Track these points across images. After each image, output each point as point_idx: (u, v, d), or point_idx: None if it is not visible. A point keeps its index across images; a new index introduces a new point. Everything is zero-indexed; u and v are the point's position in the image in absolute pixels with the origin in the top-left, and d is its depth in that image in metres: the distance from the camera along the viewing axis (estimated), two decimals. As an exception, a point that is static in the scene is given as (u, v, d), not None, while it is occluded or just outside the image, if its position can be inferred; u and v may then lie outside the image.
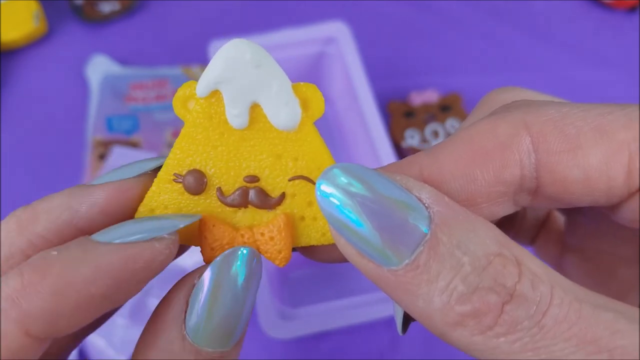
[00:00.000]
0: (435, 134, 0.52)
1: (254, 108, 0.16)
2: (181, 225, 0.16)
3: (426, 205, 0.14)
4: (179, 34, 0.61)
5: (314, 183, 0.17)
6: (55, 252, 0.14)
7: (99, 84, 0.56)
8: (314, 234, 0.17)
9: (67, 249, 0.15)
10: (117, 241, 0.15)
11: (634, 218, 0.17)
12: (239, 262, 0.16)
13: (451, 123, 0.53)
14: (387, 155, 0.45)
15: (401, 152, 0.52)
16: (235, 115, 0.16)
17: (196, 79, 0.17)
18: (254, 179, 0.17)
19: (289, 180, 0.17)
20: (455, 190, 0.16)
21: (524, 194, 0.17)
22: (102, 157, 0.51)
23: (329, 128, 0.55)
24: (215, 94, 0.16)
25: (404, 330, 0.17)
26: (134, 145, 0.52)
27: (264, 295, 0.39)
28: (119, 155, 0.50)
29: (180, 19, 0.63)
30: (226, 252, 0.16)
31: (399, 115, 0.54)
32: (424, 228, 0.14)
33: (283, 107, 0.16)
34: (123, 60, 0.58)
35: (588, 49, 0.60)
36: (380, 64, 0.57)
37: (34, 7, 0.59)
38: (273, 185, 0.17)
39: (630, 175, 0.15)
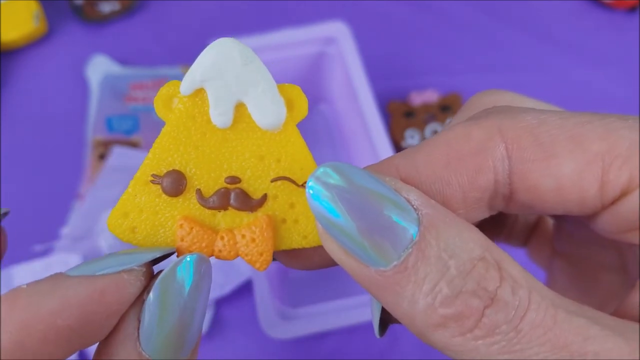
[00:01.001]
0: (435, 133, 0.52)
1: (238, 108, 0.16)
2: (151, 258, 0.16)
3: (415, 207, 0.14)
4: (179, 34, 0.61)
5: (296, 184, 0.17)
6: (24, 286, 0.14)
7: (99, 84, 0.56)
8: (296, 237, 0.17)
9: (37, 283, 0.15)
10: (86, 274, 0.15)
11: (609, 230, 0.17)
12: (185, 271, 0.15)
13: (451, 123, 0.52)
14: (387, 155, 0.45)
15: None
16: (220, 113, 0.16)
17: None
18: (235, 180, 0.17)
19: (272, 181, 0.17)
20: (431, 193, 0.16)
21: (498, 199, 0.17)
22: (102, 157, 0.51)
23: (329, 128, 0.55)
24: (199, 92, 0.16)
25: (382, 332, 0.17)
26: (134, 145, 0.52)
27: (264, 295, 0.39)
28: (119, 155, 0.50)
29: (180, 19, 0.63)
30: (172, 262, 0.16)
31: (399, 115, 0.53)
32: (412, 230, 0.14)
33: (269, 105, 0.16)
34: (123, 60, 0.58)
35: (588, 49, 0.60)
36: (380, 63, 0.57)
37: (34, 7, 0.59)
38: (255, 186, 0.17)
39: (603, 187, 0.15)
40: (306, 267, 0.18)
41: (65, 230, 0.46)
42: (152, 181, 0.17)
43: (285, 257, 0.18)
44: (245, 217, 0.17)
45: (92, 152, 0.52)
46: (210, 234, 0.17)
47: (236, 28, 0.61)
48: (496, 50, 0.60)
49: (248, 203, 0.17)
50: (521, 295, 0.13)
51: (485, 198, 0.17)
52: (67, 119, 0.55)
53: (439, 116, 0.53)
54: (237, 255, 0.17)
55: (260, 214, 0.17)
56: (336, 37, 0.50)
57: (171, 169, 0.17)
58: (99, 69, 0.57)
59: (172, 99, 0.17)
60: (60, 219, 0.48)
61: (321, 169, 0.14)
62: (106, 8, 0.61)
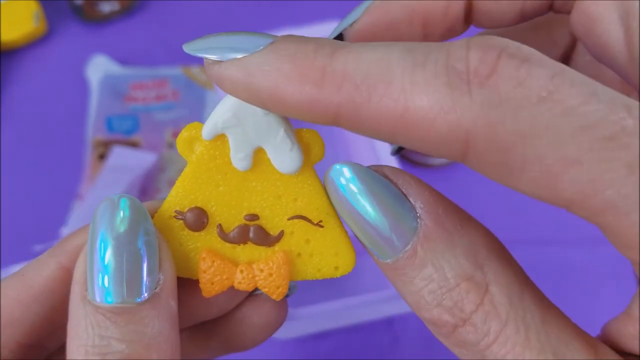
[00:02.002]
0: None
1: (258, 152, 0.17)
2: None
3: (418, 214, 0.15)
4: (179, 34, 0.61)
5: (312, 222, 0.18)
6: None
7: (99, 84, 0.56)
8: (310, 270, 0.18)
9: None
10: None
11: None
12: (118, 211, 0.16)
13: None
14: (387, 155, 0.45)
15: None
16: (240, 158, 0.17)
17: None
18: (254, 217, 0.18)
19: (288, 219, 0.18)
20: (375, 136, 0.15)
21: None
22: (102, 157, 0.51)
23: (329, 127, 0.55)
24: (220, 137, 0.17)
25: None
26: (134, 145, 0.52)
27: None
28: (119, 155, 0.50)
29: (180, 19, 0.63)
30: (101, 204, 0.16)
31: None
32: (409, 238, 0.15)
33: (287, 153, 0.17)
34: (123, 60, 0.58)
35: (588, 48, 0.60)
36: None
37: (34, 7, 0.59)
38: (272, 223, 0.18)
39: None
40: None
41: (65, 230, 0.46)
42: (175, 217, 0.18)
43: None
44: (264, 251, 0.18)
45: (92, 152, 0.52)
46: (230, 267, 0.18)
47: (236, 28, 0.60)
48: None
49: (266, 239, 0.18)
50: (492, 326, 0.14)
51: None
52: (67, 119, 0.55)
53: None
54: (255, 287, 0.18)
55: (277, 248, 0.18)
56: (336, 37, 0.50)
57: (193, 205, 0.17)
58: (99, 69, 0.57)
59: (193, 141, 0.17)
60: (60, 219, 0.48)
61: (337, 167, 0.15)
62: (106, 8, 0.61)
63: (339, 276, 0.18)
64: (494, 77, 0.12)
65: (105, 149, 0.52)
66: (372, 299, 0.40)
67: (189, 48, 0.15)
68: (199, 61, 0.17)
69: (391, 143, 0.16)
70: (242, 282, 0.18)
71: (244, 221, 0.18)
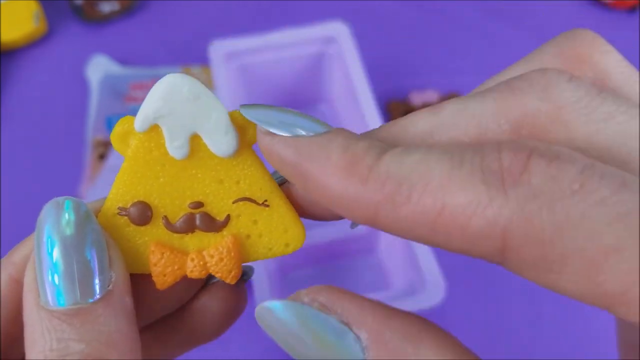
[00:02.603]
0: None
1: (194, 139, 0.17)
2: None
3: (364, 345, 0.14)
4: (179, 34, 0.61)
5: (257, 203, 0.18)
6: None
7: (99, 84, 0.56)
8: (261, 250, 0.18)
9: None
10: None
11: None
12: (62, 213, 0.16)
13: (451, 123, 0.53)
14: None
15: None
16: (176, 147, 0.17)
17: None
18: (198, 204, 0.17)
19: (233, 202, 0.18)
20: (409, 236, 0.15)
21: None
22: (102, 157, 0.51)
23: (329, 128, 0.55)
24: (154, 128, 0.17)
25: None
26: (134, 145, 0.52)
27: (264, 295, 0.39)
28: (119, 156, 0.50)
29: (180, 19, 0.63)
30: (45, 208, 0.16)
31: (398, 115, 0.53)
32: None
33: (222, 136, 0.17)
34: (123, 60, 0.58)
35: (588, 49, 0.60)
36: (380, 63, 0.57)
37: (34, 7, 0.59)
38: (218, 209, 0.18)
39: None
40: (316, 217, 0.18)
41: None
42: (119, 213, 0.17)
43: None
44: (213, 237, 0.18)
45: (92, 152, 0.52)
46: (180, 257, 0.18)
47: (236, 28, 0.61)
48: (496, 50, 0.60)
49: (213, 224, 0.18)
50: None
51: None
52: (67, 119, 0.55)
53: (439, 116, 0.53)
54: (208, 273, 0.18)
55: (225, 233, 0.18)
56: (336, 37, 0.50)
57: (136, 200, 0.17)
58: (99, 69, 0.57)
59: (127, 135, 0.17)
60: (60, 219, 0.48)
61: (264, 307, 0.15)
62: (106, 8, 0.61)
63: (290, 252, 0.18)
64: (526, 175, 0.12)
65: (105, 149, 0.52)
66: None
67: (246, 112, 0.16)
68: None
69: (428, 244, 0.15)
70: (194, 270, 0.18)
71: (188, 210, 0.17)
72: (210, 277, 0.19)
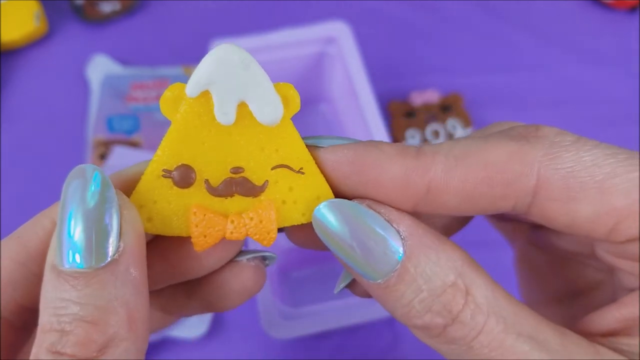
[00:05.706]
0: (436, 134, 0.52)
1: (240, 106, 0.18)
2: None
3: (402, 237, 0.17)
4: (179, 34, 0.61)
5: (293, 170, 0.19)
6: None
7: (100, 83, 0.56)
8: (296, 215, 0.19)
9: None
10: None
11: (605, 251, 0.19)
12: (89, 184, 0.17)
13: (452, 123, 0.53)
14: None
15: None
16: (224, 113, 0.18)
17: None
18: (239, 170, 0.18)
19: (272, 169, 0.18)
20: (445, 206, 0.18)
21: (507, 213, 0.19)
22: (102, 157, 0.51)
23: (329, 128, 0.55)
24: (204, 94, 0.17)
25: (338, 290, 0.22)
26: (134, 145, 0.52)
27: (265, 295, 0.39)
28: (120, 155, 0.50)
29: (180, 19, 0.63)
30: (72, 172, 0.17)
31: (399, 115, 0.54)
32: (397, 257, 0.17)
33: (268, 104, 0.18)
34: (124, 60, 0.58)
35: (588, 49, 0.60)
36: (381, 63, 0.57)
37: (34, 7, 0.59)
38: (257, 174, 0.19)
39: (613, 232, 0.17)
40: (307, 245, 0.21)
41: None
42: (163, 175, 0.18)
43: (290, 234, 0.21)
44: (251, 202, 0.19)
45: (92, 152, 0.52)
46: (221, 219, 0.18)
47: (236, 28, 0.61)
48: (497, 50, 0.60)
49: (252, 189, 0.18)
50: (478, 320, 0.17)
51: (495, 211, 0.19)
52: (68, 119, 0.55)
53: (439, 116, 0.53)
54: (247, 235, 0.19)
55: (263, 197, 0.19)
56: (336, 37, 0.50)
57: (180, 163, 0.18)
58: (100, 68, 0.57)
59: (177, 101, 0.18)
60: (61, 218, 0.48)
61: (322, 208, 0.18)
62: (107, 8, 0.61)
63: None
64: (541, 131, 0.18)
65: (106, 149, 0.52)
66: (372, 299, 0.40)
67: (316, 141, 0.19)
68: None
69: (469, 205, 0.18)
70: (233, 232, 0.18)
71: (229, 174, 0.18)
72: (238, 253, 0.20)
